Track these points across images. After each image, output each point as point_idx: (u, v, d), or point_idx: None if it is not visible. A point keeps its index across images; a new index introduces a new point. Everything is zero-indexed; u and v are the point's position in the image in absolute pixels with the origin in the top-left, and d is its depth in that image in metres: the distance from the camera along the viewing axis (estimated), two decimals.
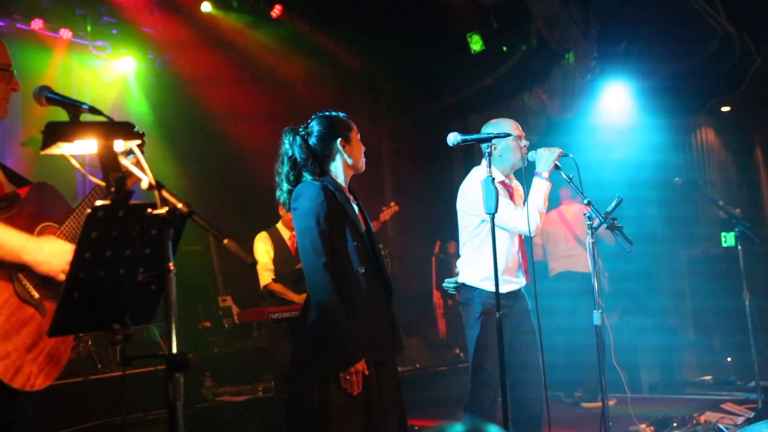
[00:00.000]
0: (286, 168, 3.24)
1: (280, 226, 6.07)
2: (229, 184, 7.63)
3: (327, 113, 3.32)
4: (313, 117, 3.33)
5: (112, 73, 7.63)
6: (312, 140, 3.25)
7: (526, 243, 4.40)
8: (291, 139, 3.25)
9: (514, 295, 4.14)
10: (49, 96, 2.17)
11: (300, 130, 3.28)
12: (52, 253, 2.18)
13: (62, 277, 2.14)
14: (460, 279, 4.22)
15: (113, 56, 7.51)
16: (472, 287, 4.13)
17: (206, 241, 7.30)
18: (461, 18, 7.58)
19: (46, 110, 2.41)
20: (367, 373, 2.99)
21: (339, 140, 3.24)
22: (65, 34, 6.98)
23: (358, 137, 3.34)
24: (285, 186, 3.23)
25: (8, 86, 2.36)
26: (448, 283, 4.43)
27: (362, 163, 3.36)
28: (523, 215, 3.94)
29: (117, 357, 5.98)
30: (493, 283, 3.53)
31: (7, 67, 2.35)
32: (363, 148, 3.37)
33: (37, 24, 6.70)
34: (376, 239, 3.32)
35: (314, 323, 3.08)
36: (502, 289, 3.60)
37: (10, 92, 2.37)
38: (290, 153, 3.24)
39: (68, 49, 7.25)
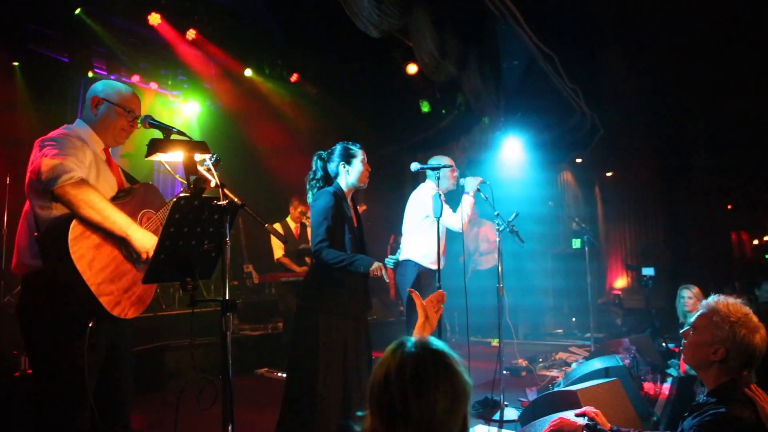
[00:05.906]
0: (312, 179, 3.10)
1: (288, 219, 5.96)
2: (256, 187, 7.46)
3: (341, 144, 3.11)
4: (334, 146, 3.13)
5: (182, 113, 7.50)
6: (329, 162, 3.11)
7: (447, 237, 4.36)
8: (317, 160, 3.12)
9: (436, 270, 4.10)
10: (151, 122, 2.16)
11: (323, 154, 3.12)
12: (144, 237, 2.11)
13: (149, 254, 2.07)
14: (404, 256, 4.05)
15: (184, 101, 7.39)
16: (413, 262, 4.06)
17: (236, 227, 7.14)
18: (416, 90, 7.59)
19: (137, 133, 2.34)
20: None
21: (342, 164, 3.07)
22: (153, 86, 6.92)
23: (360, 162, 3.06)
24: (312, 191, 3.08)
25: (132, 128, 2.30)
26: (390, 259, 4.29)
27: (360, 180, 3.08)
28: (456, 217, 3.95)
29: (177, 301, 5.84)
30: (428, 260, 3.47)
31: (136, 116, 2.28)
32: (366, 170, 3.08)
33: (135, 78, 6.62)
34: (363, 231, 3.18)
35: (312, 280, 2.97)
36: (434, 266, 3.52)
37: (132, 131, 2.30)
38: (315, 169, 3.11)
39: (155, 96, 7.16)
